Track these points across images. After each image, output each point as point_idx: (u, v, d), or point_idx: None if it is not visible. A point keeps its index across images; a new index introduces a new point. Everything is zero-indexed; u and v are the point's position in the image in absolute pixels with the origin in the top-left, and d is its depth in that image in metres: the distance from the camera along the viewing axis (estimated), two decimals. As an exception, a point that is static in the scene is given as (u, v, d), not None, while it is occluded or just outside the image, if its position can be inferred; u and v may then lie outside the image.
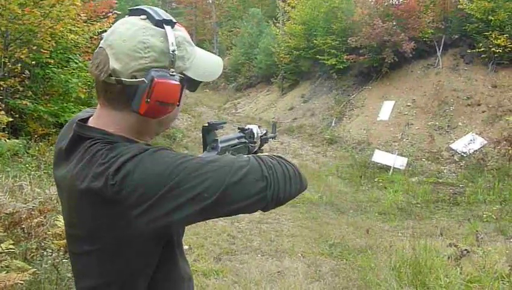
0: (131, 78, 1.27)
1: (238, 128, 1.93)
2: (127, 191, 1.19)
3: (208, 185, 1.23)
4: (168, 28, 1.30)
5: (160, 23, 1.30)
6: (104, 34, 1.34)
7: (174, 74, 1.30)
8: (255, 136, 1.95)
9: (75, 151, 1.35)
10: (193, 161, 1.26)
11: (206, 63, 1.45)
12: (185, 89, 1.38)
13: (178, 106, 1.35)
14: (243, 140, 1.87)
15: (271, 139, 2.12)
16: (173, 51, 1.29)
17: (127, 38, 1.28)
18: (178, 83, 1.30)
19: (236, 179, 1.26)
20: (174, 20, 1.34)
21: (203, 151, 1.69)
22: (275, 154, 1.47)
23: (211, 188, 1.23)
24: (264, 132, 2.05)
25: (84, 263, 1.39)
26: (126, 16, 1.37)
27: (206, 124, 1.70)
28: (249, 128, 1.93)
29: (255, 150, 1.95)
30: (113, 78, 1.27)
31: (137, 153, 1.23)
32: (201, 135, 1.71)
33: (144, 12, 1.33)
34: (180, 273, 1.49)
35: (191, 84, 1.41)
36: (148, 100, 1.26)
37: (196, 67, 1.39)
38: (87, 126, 1.37)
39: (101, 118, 1.37)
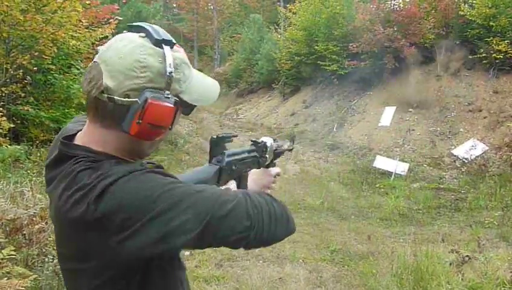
0: (124, 98, 1.23)
1: (251, 140, 1.88)
2: (109, 216, 1.16)
3: (191, 217, 1.20)
4: (167, 48, 1.27)
5: (159, 43, 1.27)
6: (100, 48, 1.31)
7: (169, 96, 1.26)
8: (268, 149, 1.90)
9: (59, 169, 1.33)
10: (180, 189, 1.23)
11: (203, 87, 1.42)
12: (179, 113, 1.33)
13: (170, 129, 1.31)
14: (253, 154, 1.83)
15: (288, 151, 2.08)
16: (170, 72, 1.25)
17: (123, 56, 1.24)
18: (172, 106, 1.27)
19: (221, 214, 1.24)
20: (174, 41, 1.30)
21: (208, 162, 1.66)
22: (266, 192, 1.45)
23: (194, 221, 1.20)
24: (280, 144, 2.01)
25: (73, 280, 1.38)
26: (125, 32, 1.33)
27: (215, 137, 1.66)
28: (262, 142, 1.89)
29: (267, 163, 1.91)
30: (105, 95, 1.24)
31: (122, 175, 1.20)
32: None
33: (143, 29, 1.29)
34: (175, 284, 1.47)
35: (185, 107, 1.37)
36: (140, 122, 1.23)
37: (192, 91, 1.36)
38: (72, 144, 1.35)
39: (88, 135, 1.34)
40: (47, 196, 4.86)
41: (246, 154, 1.79)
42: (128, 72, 1.23)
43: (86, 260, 1.26)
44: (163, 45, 1.27)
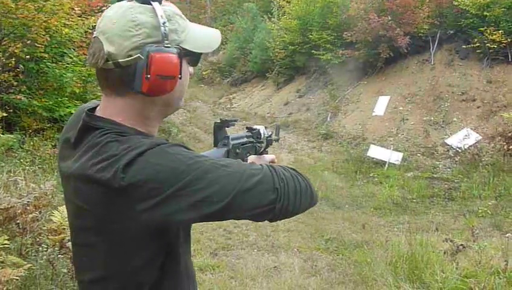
0: (127, 58, 1.26)
1: (247, 127, 1.94)
2: (136, 184, 1.18)
3: (219, 189, 1.21)
4: (155, 3, 1.30)
5: (147, 0, 1.30)
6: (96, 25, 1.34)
7: (169, 46, 1.28)
8: (262, 136, 1.95)
9: (84, 141, 1.33)
10: (207, 163, 1.24)
11: (202, 35, 1.44)
12: (185, 63, 1.36)
13: (180, 78, 1.33)
14: (251, 139, 1.87)
15: (274, 142, 2.12)
16: (164, 23, 1.28)
17: (116, 20, 1.28)
18: (175, 54, 1.29)
19: (248, 186, 1.25)
20: None
21: (214, 147, 1.70)
22: (289, 166, 1.46)
23: (222, 193, 1.22)
24: (270, 133, 2.05)
25: (87, 255, 1.38)
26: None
27: (219, 121, 1.71)
28: (256, 129, 1.94)
29: (261, 150, 1.95)
30: (110, 62, 1.27)
31: (150, 147, 1.22)
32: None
33: None
34: (185, 271, 1.47)
35: (190, 57, 1.40)
36: (148, 76, 1.25)
37: (192, 40, 1.38)
38: (97, 116, 1.36)
39: (107, 108, 1.36)
40: (40, 185, 4.84)
41: (246, 139, 1.84)
42: (124, 34, 1.27)
43: (104, 230, 1.27)
44: (151, 1, 1.30)
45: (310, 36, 21.11)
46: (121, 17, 1.28)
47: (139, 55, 1.25)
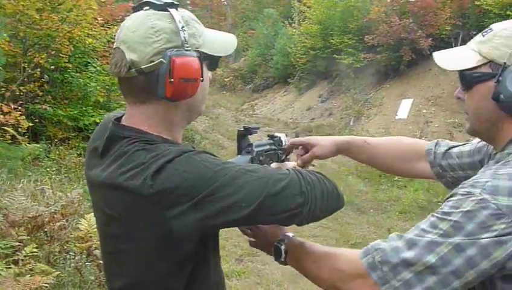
0: (150, 64, 1.28)
1: (268, 135, 1.96)
2: (164, 192, 1.20)
3: (247, 194, 1.22)
4: (172, 10, 1.33)
5: (164, 7, 1.33)
6: (115, 37, 1.38)
7: (189, 49, 1.31)
8: (283, 144, 1.96)
9: (111, 150, 1.35)
10: (234, 169, 1.26)
11: (219, 39, 1.47)
12: (205, 67, 1.38)
13: (202, 81, 1.35)
14: (273, 147, 1.89)
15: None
16: (182, 27, 1.30)
17: (136, 29, 1.30)
18: (196, 57, 1.31)
19: (275, 191, 1.26)
20: (177, 3, 1.36)
21: (237, 155, 1.72)
22: (315, 170, 1.46)
23: (250, 198, 1.23)
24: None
25: (117, 262, 1.40)
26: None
27: (242, 129, 1.75)
28: (277, 136, 1.96)
29: (283, 158, 1.97)
30: (133, 70, 1.29)
31: (178, 154, 1.24)
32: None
33: (146, 4, 1.35)
34: (215, 278, 1.48)
35: (208, 62, 1.41)
36: (172, 80, 1.27)
37: (210, 44, 1.40)
38: (123, 125, 1.38)
39: (132, 116, 1.38)
40: (67, 194, 4.92)
41: (268, 147, 1.86)
42: (145, 40, 1.30)
43: (134, 237, 1.30)
44: (168, 8, 1.33)
45: (331, 40, 21.04)
46: (140, 25, 1.31)
47: (161, 59, 1.27)
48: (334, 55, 20.72)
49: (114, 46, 1.36)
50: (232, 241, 7.18)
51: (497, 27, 1.43)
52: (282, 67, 25.85)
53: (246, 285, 5.76)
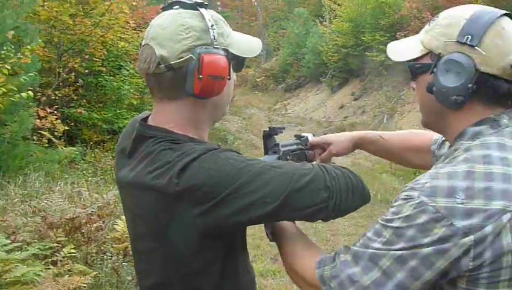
0: (179, 60, 1.29)
1: (295, 135, 1.97)
2: (190, 189, 1.20)
3: (272, 190, 1.22)
4: (202, 9, 1.34)
5: (194, 6, 1.34)
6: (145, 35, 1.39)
7: (218, 47, 1.32)
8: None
9: (138, 150, 1.36)
10: (258, 165, 1.26)
11: (245, 40, 1.48)
12: (231, 67, 1.38)
13: (229, 79, 1.35)
14: (300, 146, 1.90)
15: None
16: (212, 26, 1.32)
17: (166, 26, 1.32)
18: (224, 56, 1.32)
19: (299, 186, 1.25)
20: (206, 3, 1.37)
21: (264, 155, 1.72)
22: (339, 165, 1.44)
23: (274, 193, 1.22)
24: None
25: (148, 261, 1.41)
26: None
27: (267, 129, 1.75)
28: (304, 136, 1.96)
29: (311, 157, 1.97)
30: (162, 65, 1.30)
31: (203, 152, 1.24)
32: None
33: (176, 3, 1.37)
34: (245, 278, 1.48)
35: (234, 62, 1.41)
36: (200, 76, 1.28)
37: (236, 44, 1.41)
38: (149, 125, 1.39)
39: (159, 114, 1.40)
40: (103, 195, 4.99)
41: (295, 147, 1.86)
42: (175, 37, 1.30)
43: (162, 236, 1.30)
44: (198, 7, 1.35)
45: (363, 38, 20.87)
46: (170, 22, 1.32)
47: (190, 55, 1.28)
48: (366, 53, 20.56)
49: (143, 44, 1.38)
50: (266, 241, 7.13)
51: (441, 15, 1.38)
52: (314, 66, 25.76)
53: (281, 284, 5.74)
